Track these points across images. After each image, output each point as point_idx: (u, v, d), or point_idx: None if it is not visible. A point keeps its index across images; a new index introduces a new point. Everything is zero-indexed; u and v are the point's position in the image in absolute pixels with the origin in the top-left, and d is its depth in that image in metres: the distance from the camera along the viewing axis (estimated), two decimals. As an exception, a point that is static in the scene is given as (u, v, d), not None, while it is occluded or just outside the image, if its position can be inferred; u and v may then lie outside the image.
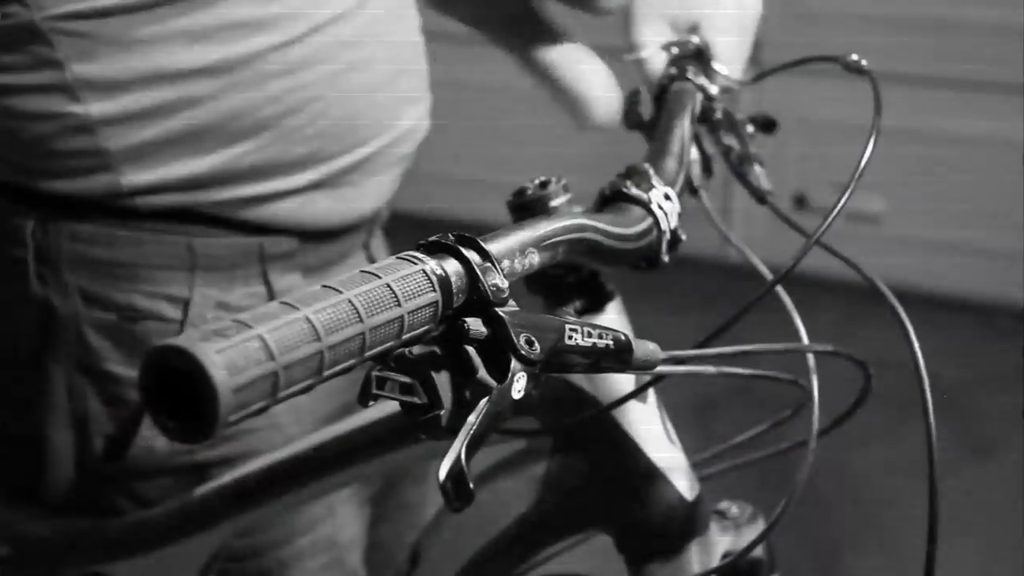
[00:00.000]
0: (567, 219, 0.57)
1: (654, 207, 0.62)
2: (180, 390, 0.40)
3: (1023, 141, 2.69)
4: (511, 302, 0.49)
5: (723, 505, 0.79)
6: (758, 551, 0.75)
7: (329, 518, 0.93)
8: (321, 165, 0.85)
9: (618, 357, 0.53)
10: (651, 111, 0.81)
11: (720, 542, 0.75)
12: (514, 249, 0.52)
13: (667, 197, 0.63)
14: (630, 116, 0.82)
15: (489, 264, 0.49)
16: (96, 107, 0.79)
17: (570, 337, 0.51)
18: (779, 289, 0.68)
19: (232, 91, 0.80)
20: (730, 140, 0.80)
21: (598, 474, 0.72)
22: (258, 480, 0.83)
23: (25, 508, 0.90)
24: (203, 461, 0.87)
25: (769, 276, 0.68)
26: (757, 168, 0.79)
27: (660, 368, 0.57)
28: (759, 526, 0.78)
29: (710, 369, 0.64)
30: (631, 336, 0.54)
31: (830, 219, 0.65)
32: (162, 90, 0.79)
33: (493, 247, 0.50)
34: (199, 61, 0.79)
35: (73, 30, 0.77)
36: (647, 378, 0.67)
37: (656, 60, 0.84)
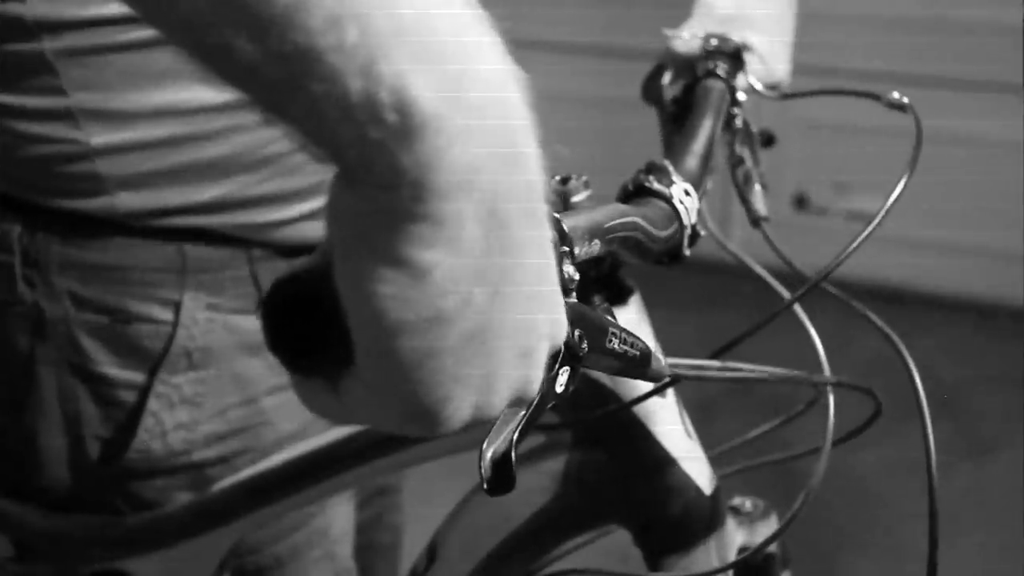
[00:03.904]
0: (625, 216, 0.56)
1: (676, 202, 0.62)
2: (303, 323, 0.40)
3: (1023, 141, 2.69)
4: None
5: (736, 501, 0.80)
6: (772, 546, 0.75)
7: (320, 512, 0.94)
8: (316, 198, 0.86)
9: (638, 368, 0.53)
10: (672, 92, 0.81)
11: (736, 537, 0.76)
12: (584, 235, 0.51)
13: (687, 193, 0.63)
14: (650, 90, 0.82)
15: (566, 248, 0.47)
16: (97, 136, 0.79)
17: (610, 341, 0.50)
18: (797, 308, 0.68)
19: (240, 129, 0.80)
20: (743, 151, 0.79)
21: (617, 469, 0.72)
22: (275, 477, 0.83)
23: (32, 506, 0.90)
24: (200, 461, 0.87)
25: (786, 295, 0.68)
26: (758, 187, 0.78)
27: (681, 372, 0.57)
28: (772, 522, 0.79)
29: (728, 374, 0.64)
30: (651, 347, 0.53)
31: (848, 251, 0.65)
32: (168, 125, 0.79)
33: (569, 227, 0.47)
34: (210, 99, 0.79)
35: (81, 63, 0.77)
36: None
37: (689, 43, 0.83)
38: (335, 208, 0.39)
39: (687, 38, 0.83)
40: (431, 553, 0.78)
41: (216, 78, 0.37)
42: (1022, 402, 2.43)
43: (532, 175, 0.40)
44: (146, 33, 0.76)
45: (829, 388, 0.70)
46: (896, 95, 0.75)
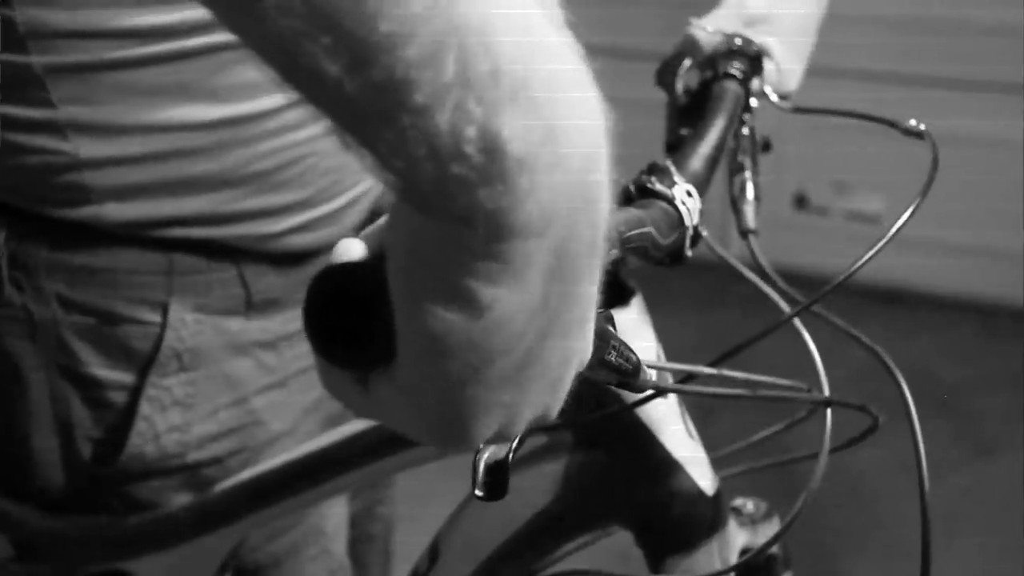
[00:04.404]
0: (642, 225, 0.56)
1: (678, 203, 0.62)
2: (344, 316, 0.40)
3: (1023, 141, 2.69)
4: None
5: (738, 502, 0.81)
6: (774, 547, 0.76)
7: (315, 509, 0.94)
8: (303, 212, 0.86)
9: (627, 378, 0.53)
10: (686, 81, 0.80)
11: (738, 538, 0.76)
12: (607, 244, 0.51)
13: (689, 193, 0.63)
14: (665, 74, 0.81)
15: None
16: (85, 149, 0.78)
17: (609, 353, 0.50)
18: (797, 323, 0.68)
19: (229, 145, 0.80)
20: (744, 159, 0.78)
21: (618, 469, 0.72)
22: (276, 478, 0.84)
23: (29, 507, 0.90)
24: (194, 462, 0.87)
25: (787, 309, 0.68)
26: (751, 198, 0.77)
27: (666, 386, 0.58)
28: (775, 523, 0.79)
29: (718, 389, 0.64)
30: (641, 358, 0.54)
31: (850, 273, 0.65)
32: (156, 140, 0.79)
33: None
34: (199, 117, 0.79)
35: (70, 78, 0.77)
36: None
37: (712, 37, 0.82)
38: (401, 229, 0.38)
39: (711, 31, 0.82)
40: (433, 553, 0.78)
41: (300, 97, 0.36)
42: (1022, 402, 2.43)
43: (602, 220, 0.40)
44: (135, 51, 0.76)
45: (826, 389, 0.70)
46: (913, 122, 0.74)
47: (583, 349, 0.43)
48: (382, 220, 0.43)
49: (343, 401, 0.44)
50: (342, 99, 0.35)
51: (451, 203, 0.36)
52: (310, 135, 0.83)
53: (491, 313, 0.38)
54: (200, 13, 0.86)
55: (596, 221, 0.39)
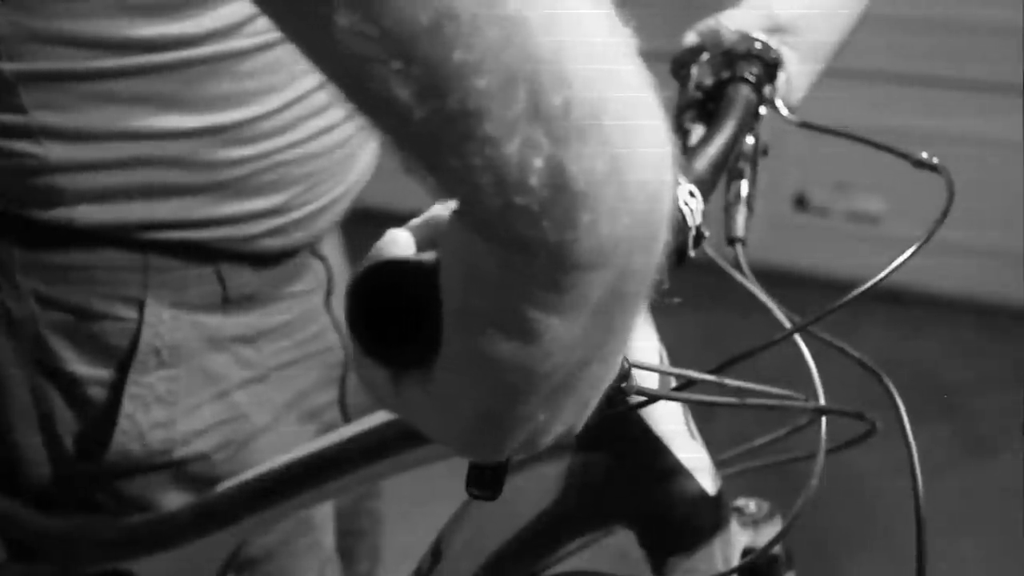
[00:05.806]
0: None
1: (680, 203, 0.62)
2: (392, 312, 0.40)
3: (1023, 141, 2.69)
4: None
5: (740, 502, 0.80)
6: (776, 548, 0.76)
7: None
8: (278, 216, 0.86)
9: (617, 381, 0.53)
10: (700, 75, 0.80)
11: (740, 538, 0.76)
12: None
13: (691, 194, 0.63)
14: (680, 65, 0.81)
15: None
16: (57, 153, 0.79)
17: None
18: (797, 339, 0.68)
19: (202, 153, 0.81)
20: (744, 166, 0.78)
21: (621, 469, 0.72)
22: (279, 479, 0.84)
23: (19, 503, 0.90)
24: (180, 458, 0.87)
25: (788, 324, 0.68)
26: (744, 205, 0.77)
27: (654, 393, 0.58)
28: (777, 523, 0.79)
29: (712, 398, 0.64)
30: (631, 364, 0.54)
31: (850, 296, 0.65)
32: (129, 147, 0.79)
33: None
34: (173, 126, 0.79)
35: (44, 85, 0.77)
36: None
37: (732, 36, 0.81)
38: (459, 249, 0.38)
39: (732, 29, 0.81)
40: (436, 553, 0.78)
41: (368, 122, 0.36)
42: (1022, 402, 2.43)
43: (658, 255, 0.39)
44: (110, 62, 0.76)
45: (821, 398, 0.70)
46: (925, 155, 0.74)
47: (615, 371, 0.44)
48: (430, 213, 0.44)
49: (373, 393, 0.44)
50: (410, 125, 0.34)
51: (513, 232, 0.36)
52: (283, 143, 0.83)
53: (543, 340, 0.38)
54: (177, 28, 0.86)
55: (653, 257, 0.39)
